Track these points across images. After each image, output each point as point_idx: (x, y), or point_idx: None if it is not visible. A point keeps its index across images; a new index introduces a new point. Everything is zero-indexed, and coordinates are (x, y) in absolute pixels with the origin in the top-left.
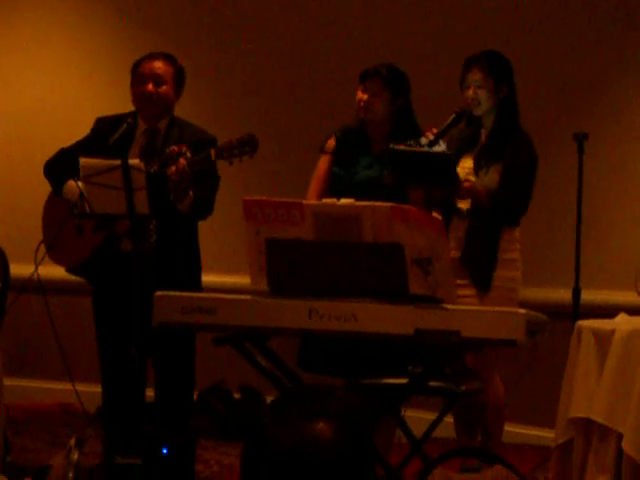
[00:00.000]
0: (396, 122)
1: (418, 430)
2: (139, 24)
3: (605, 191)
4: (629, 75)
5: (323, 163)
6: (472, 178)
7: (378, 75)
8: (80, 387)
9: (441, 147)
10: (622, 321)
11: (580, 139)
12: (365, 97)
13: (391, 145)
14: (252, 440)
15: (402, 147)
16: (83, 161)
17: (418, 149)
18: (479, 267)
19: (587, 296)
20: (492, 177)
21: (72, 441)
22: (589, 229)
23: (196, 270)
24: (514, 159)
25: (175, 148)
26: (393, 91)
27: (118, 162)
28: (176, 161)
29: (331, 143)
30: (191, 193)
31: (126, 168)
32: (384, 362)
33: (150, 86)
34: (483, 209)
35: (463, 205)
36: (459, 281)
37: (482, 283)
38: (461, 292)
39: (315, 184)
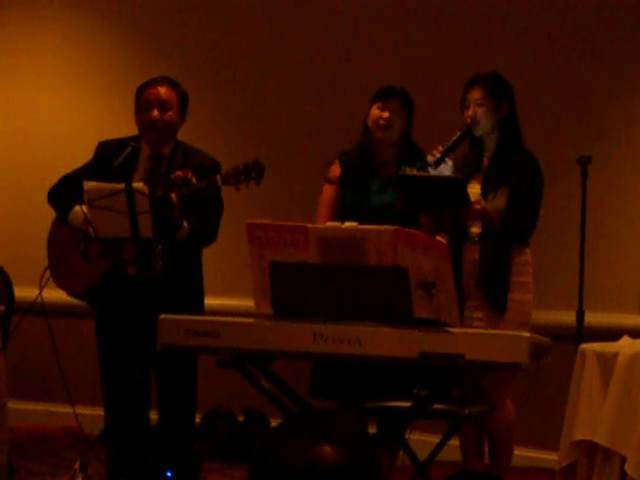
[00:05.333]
0: (403, 145)
1: (422, 453)
2: (143, 47)
3: (608, 214)
4: (632, 98)
5: (329, 192)
6: (482, 202)
7: (398, 94)
8: (83, 410)
9: (448, 165)
10: (625, 344)
11: (584, 162)
12: (386, 115)
13: (399, 172)
14: (259, 463)
15: (411, 172)
16: (87, 185)
17: (427, 174)
18: (495, 290)
19: (591, 319)
20: (501, 199)
21: (76, 464)
22: (592, 252)
23: (199, 294)
24: (520, 179)
25: (180, 174)
26: (408, 112)
27: (122, 186)
28: (180, 186)
29: (335, 171)
30: (185, 224)
31: (130, 192)
32: (389, 385)
33: (156, 112)
34: (494, 232)
35: (474, 230)
36: (475, 304)
37: (498, 305)
38: (475, 315)
39: (324, 213)
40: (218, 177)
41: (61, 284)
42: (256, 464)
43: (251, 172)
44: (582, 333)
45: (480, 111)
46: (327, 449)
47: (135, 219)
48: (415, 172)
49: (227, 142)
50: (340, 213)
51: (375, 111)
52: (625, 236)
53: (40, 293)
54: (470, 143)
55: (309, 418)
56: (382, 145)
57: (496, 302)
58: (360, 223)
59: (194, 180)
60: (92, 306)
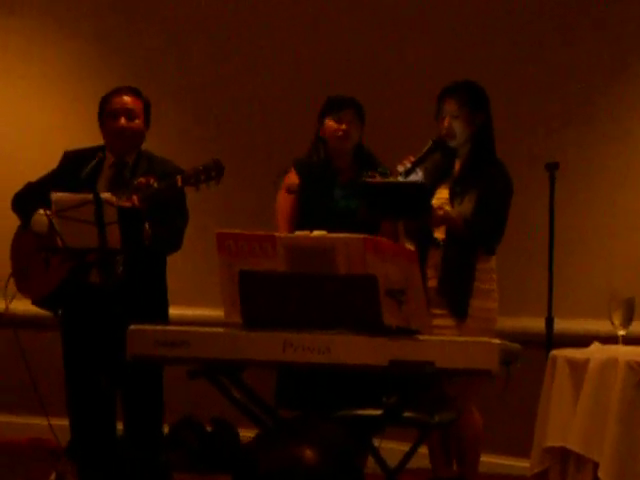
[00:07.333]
0: (356, 150)
1: (393, 461)
2: (106, 53)
3: (577, 220)
4: (599, 104)
5: (289, 201)
6: (447, 207)
7: (351, 105)
8: (54, 421)
9: (418, 175)
10: (596, 350)
11: (552, 169)
12: (344, 127)
13: (363, 178)
14: (242, 469)
15: (373, 179)
16: (55, 196)
17: (390, 180)
18: (456, 296)
19: (560, 325)
20: (467, 205)
21: (52, 476)
22: (561, 258)
23: (163, 303)
24: (488, 186)
25: (143, 180)
26: (362, 121)
27: (90, 196)
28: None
29: (293, 179)
30: (147, 227)
31: (99, 202)
32: (358, 393)
33: (123, 120)
34: (458, 238)
35: (439, 235)
36: (437, 311)
37: (459, 311)
38: (439, 322)
39: (285, 223)
40: (179, 178)
41: (23, 291)
42: (239, 470)
43: (211, 172)
44: (552, 339)
45: (456, 123)
46: (309, 454)
47: (103, 230)
48: (378, 179)
49: (187, 150)
50: (300, 221)
51: (331, 123)
52: (594, 242)
53: (8, 302)
54: (442, 150)
55: (292, 425)
56: (338, 153)
57: (457, 308)
58: (327, 229)
59: (156, 186)
60: (54, 314)
